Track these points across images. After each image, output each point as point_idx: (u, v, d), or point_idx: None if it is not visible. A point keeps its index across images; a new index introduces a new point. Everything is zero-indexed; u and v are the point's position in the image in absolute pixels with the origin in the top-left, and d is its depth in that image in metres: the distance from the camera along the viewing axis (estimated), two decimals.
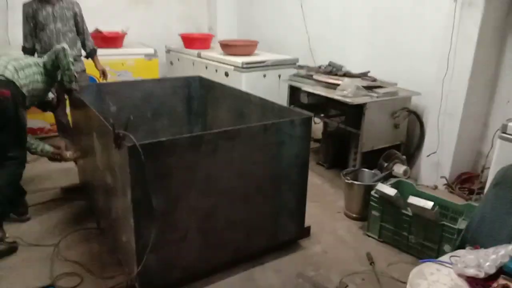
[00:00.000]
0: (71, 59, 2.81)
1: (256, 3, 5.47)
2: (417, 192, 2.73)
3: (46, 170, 3.63)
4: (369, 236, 2.80)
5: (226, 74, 4.26)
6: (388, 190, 2.58)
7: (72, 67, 2.82)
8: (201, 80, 3.61)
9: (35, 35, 3.56)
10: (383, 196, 2.64)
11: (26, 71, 2.64)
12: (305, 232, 2.71)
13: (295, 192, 2.50)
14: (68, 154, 3.34)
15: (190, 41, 5.01)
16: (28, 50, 3.52)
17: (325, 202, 3.25)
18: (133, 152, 1.81)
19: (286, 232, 2.57)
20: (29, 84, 2.64)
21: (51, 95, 3.02)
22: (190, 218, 2.12)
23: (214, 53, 4.66)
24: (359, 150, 3.29)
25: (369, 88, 3.36)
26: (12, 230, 2.65)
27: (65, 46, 2.77)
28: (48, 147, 2.91)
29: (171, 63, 5.39)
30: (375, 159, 3.31)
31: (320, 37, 4.47)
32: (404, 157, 3.30)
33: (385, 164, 3.28)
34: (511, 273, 1.59)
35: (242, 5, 5.73)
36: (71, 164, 3.70)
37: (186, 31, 5.44)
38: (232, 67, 4.19)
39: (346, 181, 2.94)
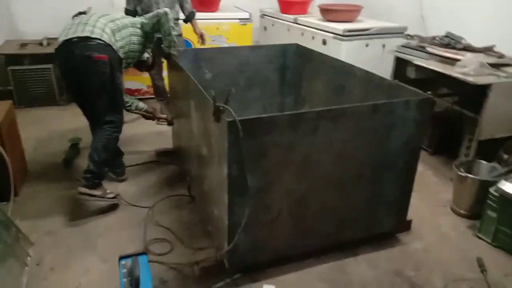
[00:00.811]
0: (172, 24, 2.75)
1: None
2: None
3: (142, 132, 3.76)
4: (480, 238, 2.45)
5: (324, 42, 3.97)
6: None
7: (173, 32, 2.76)
8: (298, 48, 3.38)
9: (136, 1, 3.58)
10: (505, 196, 2.26)
11: (123, 32, 2.61)
12: (405, 225, 2.45)
13: (399, 183, 2.23)
14: (162, 115, 3.40)
15: (286, 5, 4.73)
16: (131, 12, 3.56)
17: (428, 193, 2.91)
18: (232, 128, 1.70)
19: (384, 224, 2.33)
20: (125, 45, 2.62)
21: (146, 55, 3.02)
22: (283, 201, 1.98)
23: (312, 18, 4.34)
24: (475, 138, 2.86)
25: (495, 66, 2.86)
26: (111, 189, 2.75)
27: (168, 10, 2.72)
28: (142, 105, 2.97)
29: (265, 28, 5.19)
30: (492, 149, 2.87)
31: (434, 2, 3.92)
32: None
33: (506, 157, 2.82)
34: None
35: None
36: (165, 128, 3.79)
37: None
38: (332, 35, 3.87)
39: (459, 173, 2.57)
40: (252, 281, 2.06)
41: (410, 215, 2.50)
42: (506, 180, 2.34)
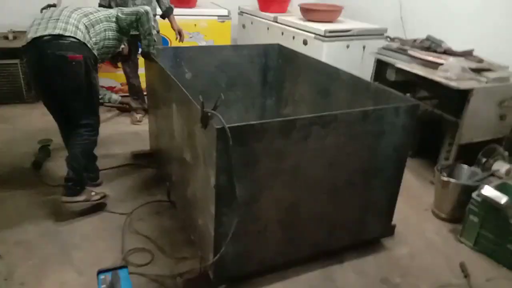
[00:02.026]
0: (152, 23, 2.62)
1: None
2: None
3: (117, 132, 3.59)
4: (462, 242, 2.47)
5: (305, 43, 3.92)
6: (498, 196, 2.21)
7: (153, 32, 2.63)
8: (281, 49, 3.31)
9: None
10: (487, 201, 2.28)
11: (97, 27, 2.44)
12: (389, 230, 2.44)
13: (387, 188, 2.22)
14: (138, 116, 3.26)
15: (266, 3, 4.64)
16: (105, 7, 3.39)
17: (409, 196, 2.92)
18: (221, 135, 1.61)
19: (370, 230, 2.31)
20: (99, 41, 2.46)
21: (121, 46, 2.87)
22: (272, 209, 1.92)
23: (293, 18, 4.28)
24: (455, 142, 2.89)
25: (476, 70, 2.89)
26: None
27: (148, 9, 2.57)
28: (115, 96, 2.83)
29: (243, 26, 5.09)
30: (471, 152, 2.91)
31: (414, 5, 3.95)
32: (506, 153, 2.87)
33: (484, 160, 2.88)
34: None
35: None
36: (140, 128, 3.65)
37: None
38: (313, 35, 3.82)
39: (442, 177, 2.59)
40: None
41: (395, 219, 2.50)
42: (487, 184, 2.37)
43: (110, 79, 4.31)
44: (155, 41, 2.69)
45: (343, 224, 2.18)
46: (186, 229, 2.37)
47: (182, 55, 3.04)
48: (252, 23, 4.89)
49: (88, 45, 2.36)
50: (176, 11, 3.98)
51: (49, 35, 2.24)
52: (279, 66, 3.31)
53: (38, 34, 2.25)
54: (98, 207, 2.52)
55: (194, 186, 2.09)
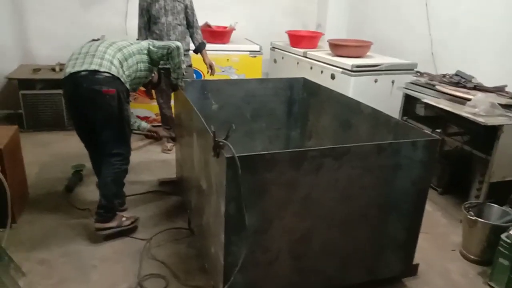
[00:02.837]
0: (182, 57, 2.77)
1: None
2: None
3: (146, 160, 3.73)
4: (491, 286, 2.31)
5: (333, 77, 3.96)
6: None
7: (182, 66, 2.78)
8: (305, 82, 3.37)
9: (148, 28, 3.65)
10: None
11: (130, 61, 2.59)
12: (412, 270, 2.33)
13: (406, 225, 2.14)
14: (169, 145, 3.34)
15: (296, 38, 4.78)
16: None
17: (436, 234, 2.80)
18: (231, 164, 1.65)
19: (389, 268, 2.22)
20: (132, 74, 2.61)
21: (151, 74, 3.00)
22: (282, 240, 1.91)
23: (321, 53, 4.36)
24: (486, 180, 2.76)
25: (506, 106, 2.80)
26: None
27: (179, 44, 2.72)
28: (145, 124, 2.94)
29: (275, 61, 5.23)
30: (505, 192, 2.76)
31: (445, 40, 3.91)
32: None
33: None
34: None
35: (355, 1, 5.32)
36: (169, 156, 3.78)
37: (292, 27, 5.21)
38: (340, 70, 3.86)
39: (469, 216, 2.47)
40: None
41: (417, 258, 2.39)
42: None
43: (146, 109, 4.54)
44: (183, 74, 2.83)
45: (358, 259, 2.12)
46: (202, 257, 2.38)
47: (209, 87, 3.16)
48: (283, 58, 5.01)
49: (122, 79, 2.51)
50: (210, 46, 4.18)
51: (86, 70, 2.41)
52: (303, 98, 3.36)
53: (76, 69, 2.42)
54: (129, 231, 2.62)
55: (208, 214, 2.12)
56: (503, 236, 2.24)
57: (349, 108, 2.77)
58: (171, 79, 2.83)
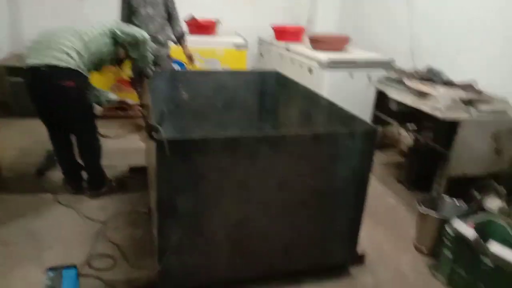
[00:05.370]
0: (148, 48, 2.84)
1: None
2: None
3: (123, 147, 3.82)
4: (436, 278, 2.34)
5: (310, 71, 3.99)
6: (466, 230, 2.10)
7: (148, 58, 2.88)
8: (278, 76, 3.40)
9: (128, 21, 3.72)
10: (459, 236, 2.17)
11: (92, 46, 2.66)
12: (356, 258, 2.36)
13: (348, 213, 2.17)
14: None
15: (281, 33, 4.81)
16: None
17: (395, 228, 2.82)
18: (161, 146, 1.71)
19: (332, 256, 2.26)
20: (94, 59, 2.71)
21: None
22: (220, 225, 1.96)
23: (303, 47, 4.39)
24: (444, 174, 2.77)
25: (469, 102, 2.79)
26: (74, 201, 2.83)
27: (147, 37, 2.82)
28: (113, 96, 2.90)
29: (261, 55, 5.27)
30: (468, 188, 2.77)
31: (424, 36, 3.89)
32: (504, 191, 2.70)
33: (477, 195, 2.73)
34: None
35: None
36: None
37: (284, 22, 5.24)
38: (317, 64, 3.89)
39: (420, 209, 2.49)
40: None
41: (371, 249, 2.44)
42: (467, 218, 2.25)
43: (131, 99, 4.61)
44: (149, 62, 2.91)
45: (300, 246, 2.16)
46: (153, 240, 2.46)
47: (180, 78, 3.23)
48: (268, 51, 5.05)
49: (82, 66, 2.61)
50: (196, 38, 4.23)
51: (46, 65, 2.50)
52: (275, 91, 3.39)
53: (36, 63, 2.53)
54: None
55: (153, 197, 2.19)
56: (447, 228, 2.26)
57: (311, 101, 2.80)
58: (139, 65, 2.91)
